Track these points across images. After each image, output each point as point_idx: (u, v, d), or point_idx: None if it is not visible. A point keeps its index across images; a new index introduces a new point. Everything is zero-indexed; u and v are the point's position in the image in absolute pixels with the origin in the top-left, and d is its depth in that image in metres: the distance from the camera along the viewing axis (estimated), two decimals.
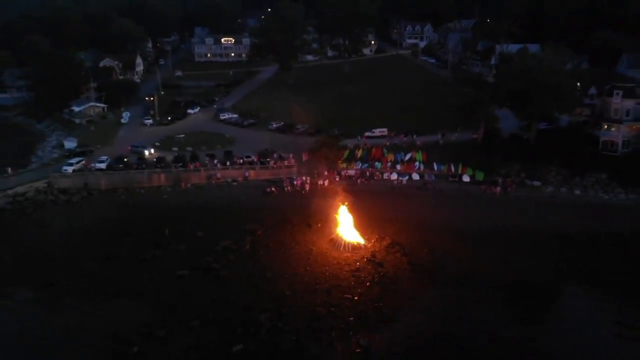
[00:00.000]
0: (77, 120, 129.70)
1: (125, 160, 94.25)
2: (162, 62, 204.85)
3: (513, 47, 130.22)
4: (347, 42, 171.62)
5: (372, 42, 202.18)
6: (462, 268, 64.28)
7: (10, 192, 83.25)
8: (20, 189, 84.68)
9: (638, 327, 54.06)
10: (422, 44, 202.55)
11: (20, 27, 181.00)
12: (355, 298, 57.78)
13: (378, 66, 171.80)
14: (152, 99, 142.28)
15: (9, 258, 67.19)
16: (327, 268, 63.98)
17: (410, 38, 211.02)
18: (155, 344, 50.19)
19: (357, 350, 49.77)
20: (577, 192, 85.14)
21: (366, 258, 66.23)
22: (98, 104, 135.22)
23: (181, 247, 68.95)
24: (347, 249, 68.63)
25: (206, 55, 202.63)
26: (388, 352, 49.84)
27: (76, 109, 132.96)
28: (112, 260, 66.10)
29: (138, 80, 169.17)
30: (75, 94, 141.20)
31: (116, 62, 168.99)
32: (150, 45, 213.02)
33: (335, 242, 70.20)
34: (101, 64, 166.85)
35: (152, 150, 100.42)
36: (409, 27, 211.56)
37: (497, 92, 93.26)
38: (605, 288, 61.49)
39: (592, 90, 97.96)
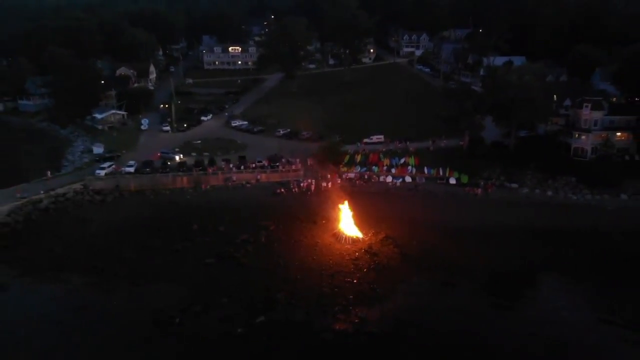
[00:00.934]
0: (100, 127, 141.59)
1: (151, 164, 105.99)
2: (172, 69, 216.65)
3: (499, 60, 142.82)
4: (347, 51, 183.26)
5: (372, 50, 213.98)
6: (446, 258, 75.78)
7: (52, 193, 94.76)
8: (60, 190, 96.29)
9: (600, 309, 65.22)
10: (419, 52, 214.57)
11: (39, 37, 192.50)
12: (354, 281, 69.59)
13: (376, 75, 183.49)
14: (167, 106, 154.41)
15: (60, 249, 78.91)
16: (330, 257, 75.70)
17: (407, 46, 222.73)
18: (192, 317, 61.95)
19: (356, 320, 61.58)
20: (549, 193, 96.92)
21: (364, 249, 77.90)
22: (119, 112, 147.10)
23: (206, 240, 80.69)
24: (347, 242, 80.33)
25: (215, 63, 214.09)
26: (380, 323, 61.56)
27: (98, 116, 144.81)
28: (148, 250, 77.93)
29: (152, 88, 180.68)
30: (95, 101, 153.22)
31: (131, 71, 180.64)
32: (160, 53, 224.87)
33: (338, 236, 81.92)
34: (117, 73, 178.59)
35: (181, 156, 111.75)
36: (406, 36, 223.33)
37: (482, 104, 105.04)
38: (572, 276, 72.86)
39: (567, 102, 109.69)
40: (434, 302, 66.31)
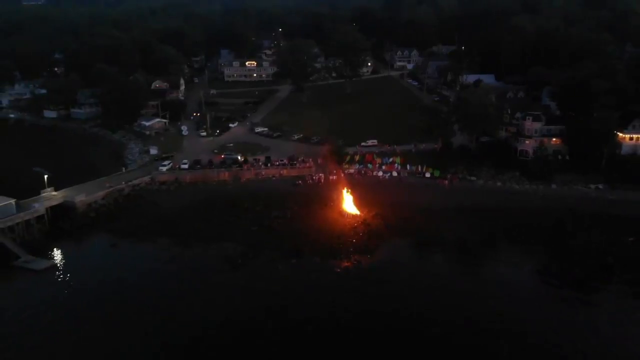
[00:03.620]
0: (147, 132, 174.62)
1: (200, 162, 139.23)
2: (196, 80, 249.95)
3: (472, 78, 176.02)
4: (348, 68, 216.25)
5: (369, 64, 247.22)
6: (418, 227, 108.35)
7: (129, 183, 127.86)
8: (135, 182, 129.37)
9: (536, 265, 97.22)
10: (410, 66, 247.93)
11: (86, 55, 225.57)
12: (353, 240, 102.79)
13: (373, 87, 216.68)
14: (198, 114, 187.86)
15: (145, 222, 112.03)
16: (336, 226, 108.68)
17: (400, 60, 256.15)
18: (249, 260, 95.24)
19: (354, 263, 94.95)
20: (499, 183, 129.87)
21: (360, 221, 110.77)
22: (162, 120, 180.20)
23: (248, 216, 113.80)
24: (348, 217, 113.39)
25: (233, 75, 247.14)
26: (370, 265, 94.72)
27: (145, 123, 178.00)
28: (208, 222, 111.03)
29: (182, 98, 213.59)
30: (137, 110, 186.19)
31: (165, 83, 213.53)
32: (186, 66, 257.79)
33: (342, 213, 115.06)
34: (153, 85, 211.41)
35: (240, 156, 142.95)
36: (398, 52, 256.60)
37: (450, 117, 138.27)
38: (517, 245, 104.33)
39: (518, 114, 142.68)
40: (408, 255, 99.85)
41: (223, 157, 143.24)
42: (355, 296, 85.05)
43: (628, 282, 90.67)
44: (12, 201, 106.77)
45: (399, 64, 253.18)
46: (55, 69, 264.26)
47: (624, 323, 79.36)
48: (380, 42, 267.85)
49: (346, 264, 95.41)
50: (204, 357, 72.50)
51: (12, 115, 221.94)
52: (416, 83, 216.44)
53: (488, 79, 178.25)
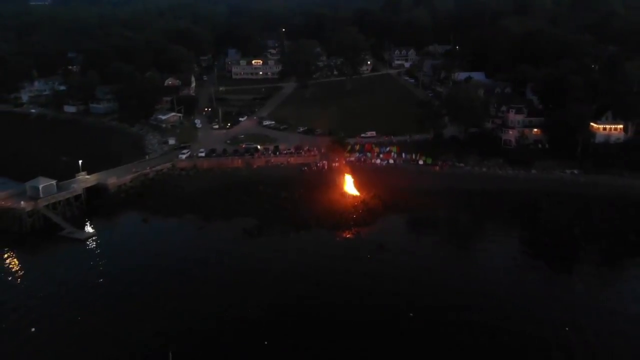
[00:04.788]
0: (163, 125, 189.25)
1: (214, 150, 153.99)
2: (205, 78, 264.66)
3: (463, 75, 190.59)
4: (349, 66, 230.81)
5: (369, 62, 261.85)
6: (410, 206, 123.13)
7: (153, 169, 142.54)
8: (157, 168, 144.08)
9: (521, 240, 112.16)
10: (407, 65, 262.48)
11: (103, 54, 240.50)
12: (354, 216, 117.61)
13: (372, 84, 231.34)
14: (209, 109, 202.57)
15: (170, 201, 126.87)
16: (339, 205, 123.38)
17: (398, 59, 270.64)
18: (264, 230, 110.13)
19: (355, 234, 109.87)
20: (484, 169, 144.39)
21: (359, 201, 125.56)
22: (177, 114, 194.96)
23: (261, 197, 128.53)
24: (349, 198, 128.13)
25: (241, 73, 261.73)
26: (368, 235, 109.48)
27: (162, 117, 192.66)
28: (226, 201, 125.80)
29: (193, 95, 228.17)
30: (152, 105, 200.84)
31: (177, 81, 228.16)
32: (195, 65, 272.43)
33: (343, 194, 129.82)
34: (166, 83, 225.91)
35: (259, 146, 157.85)
36: (396, 51, 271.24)
37: (441, 110, 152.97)
38: (498, 220, 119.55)
39: (503, 108, 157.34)
40: (401, 227, 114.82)
41: (244, 147, 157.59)
42: (356, 260, 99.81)
43: (591, 250, 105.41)
44: (54, 182, 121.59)
45: (397, 62, 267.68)
46: (69, 67, 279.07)
47: (590, 283, 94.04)
48: (379, 42, 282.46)
49: (348, 234, 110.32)
50: (232, 306, 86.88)
51: (33, 111, 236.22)
52: (412, 80, 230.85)
53: (478, 76, 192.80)
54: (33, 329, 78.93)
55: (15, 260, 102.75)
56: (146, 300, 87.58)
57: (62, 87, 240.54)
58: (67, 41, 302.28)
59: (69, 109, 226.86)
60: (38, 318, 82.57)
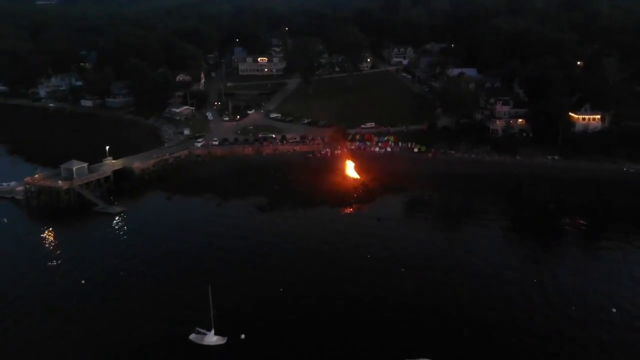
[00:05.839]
0: (177, 118, 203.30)
1: (227, 139, 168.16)
2: (213, 75, 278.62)
3: (456, 71, 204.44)
4: (349, 63, 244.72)
5: (369, 59, 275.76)
6: (405, 188, 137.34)
7: (172, 155, 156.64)
8: (176, 154, 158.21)
9: (503, 214, 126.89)
10: (405, 62, 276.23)
11: (118, 52, 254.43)
12: (354, 195, 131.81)
13: (371, 80, 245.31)
14: (219, 103, 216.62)
15: (189, 182, 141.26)
16: (341, 186, 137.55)
17: (396, 57, 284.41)
18: (275, 207, 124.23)
19: (356, 209, 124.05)
20: (473, 156, 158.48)
21: (360, 183, 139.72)
22: (190, 107, 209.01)
23: (270, 179, 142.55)
24: (350, 180, 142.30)
25: (247, 70, 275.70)
26: (368, 210, 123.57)
27: (176, 110, 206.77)
28: (239, 183, 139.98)
29: (204, 90, 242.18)
30: (166, 99, 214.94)
31: (188, 77, 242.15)
32: (204, 62, 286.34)
33: (345, 177, 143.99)
34: (177, 78, 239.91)
35: (274, 135, 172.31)
36: (395, 49, 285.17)
37: (435, 103, 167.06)
38: (484, 198, 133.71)
39: (492, 100, 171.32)
40: (396, 204, 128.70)
41: (261, 136, 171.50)
42: (356, 229, 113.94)
43: (564, 223, 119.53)
44: (85, 165, 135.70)
45: (395, 60, 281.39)
46: (81, 64, 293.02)
47: (560, 249, 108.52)
48: (378, 40, 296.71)
49: (349, 209, 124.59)
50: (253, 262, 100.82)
51: (51, 105, 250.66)
52: (410, 77, 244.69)
53: (471, 72, 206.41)
54: (83, 281, 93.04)
55: (58, 230, 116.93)
56: (179, 264, 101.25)
57: (79, 83, 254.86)
58: (78, 39, 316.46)
59: (86, 103, 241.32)
60: (87, 270, 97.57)
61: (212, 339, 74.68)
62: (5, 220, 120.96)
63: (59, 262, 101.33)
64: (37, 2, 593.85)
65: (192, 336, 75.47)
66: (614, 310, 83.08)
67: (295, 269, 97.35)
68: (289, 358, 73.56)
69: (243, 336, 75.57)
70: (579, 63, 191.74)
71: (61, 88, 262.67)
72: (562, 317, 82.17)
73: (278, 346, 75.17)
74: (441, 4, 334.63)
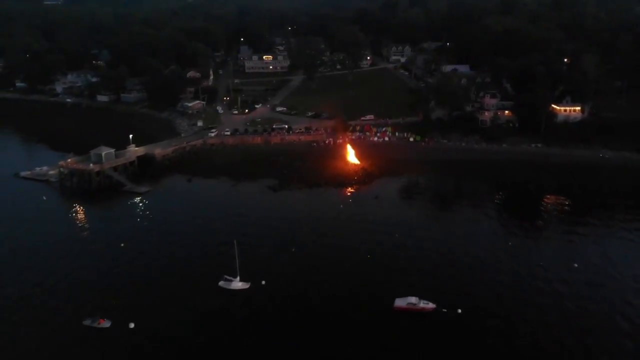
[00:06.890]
0: (189, 111, 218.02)
1: (237, 130, 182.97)
2: (220, 72, 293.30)
3: (449, 67, 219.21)
4: (350, 61, 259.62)
5: (368, 57, 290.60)
6: (400, 172, 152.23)
7: (188, 144, 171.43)
8: (192, 143, 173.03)
9: (489, 193, 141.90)
10: (403, 60, 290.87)
11: (131, 50, 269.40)
12: (355, 178, 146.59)
13: (371, 77, 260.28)
14: (228, 98, 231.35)
15: (205, 167, 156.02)
16: (343, 171, 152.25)
17: (394, 55, 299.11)
18: (283, 187, 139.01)
19: (356, 189, 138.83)
20: (463, 144, 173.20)
21: (360, 168, 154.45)
22: (201, 101, 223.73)
23: (278, 165, 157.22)
24: (351, 165, 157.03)
25: (253, 67, 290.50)
26: (365, 194, 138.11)
27: (188, 104, 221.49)
28: (250, 167, 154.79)
29: (213, 86, 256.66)
30: (178, 95, 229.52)
31: (197, 74, 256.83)
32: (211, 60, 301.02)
33: (346, 163, 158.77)
34: (188, 75, 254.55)
35: (286, 126, 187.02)
36: (393, 48, 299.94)
37: (429, 96, 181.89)
38: (472, 181, 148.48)
39: (481, 94, 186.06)
40: (392, 186, 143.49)
41: (275, 127, 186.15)
42: (356, 203, 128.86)
43: (540, 200, 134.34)
44: (113, 150, 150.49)
45: (394, 57, 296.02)
46: (94, 62, 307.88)
47: (534, 222, 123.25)
48: (378, 39, 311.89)
49: (350, 189, 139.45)
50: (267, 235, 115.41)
51: (69, 100, 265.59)
52: (407, 73, 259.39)
53: (463, 68, 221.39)
54: (122, 244, 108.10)
55: (94, 207, 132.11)
56: (206, 228, 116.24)
57: (94, 79, 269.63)
58: (90, 38, 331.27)
59: (102, 98, 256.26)
60: (125, 236, 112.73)
61: (237, 284, 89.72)
62: (45, 198, 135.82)
63: (101, 228, 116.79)
64: (45, 3, 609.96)
65: (221, 282, 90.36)
66: (576, 265, 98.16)
67: (302, 232, 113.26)
68: (300, 299, 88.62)
69: (264, 282, 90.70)
70: (565, 60, 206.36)
71: (77, 84, 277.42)
72: (527, 274, 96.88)
73: (291, 289, 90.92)
74: (437, 5, 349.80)
